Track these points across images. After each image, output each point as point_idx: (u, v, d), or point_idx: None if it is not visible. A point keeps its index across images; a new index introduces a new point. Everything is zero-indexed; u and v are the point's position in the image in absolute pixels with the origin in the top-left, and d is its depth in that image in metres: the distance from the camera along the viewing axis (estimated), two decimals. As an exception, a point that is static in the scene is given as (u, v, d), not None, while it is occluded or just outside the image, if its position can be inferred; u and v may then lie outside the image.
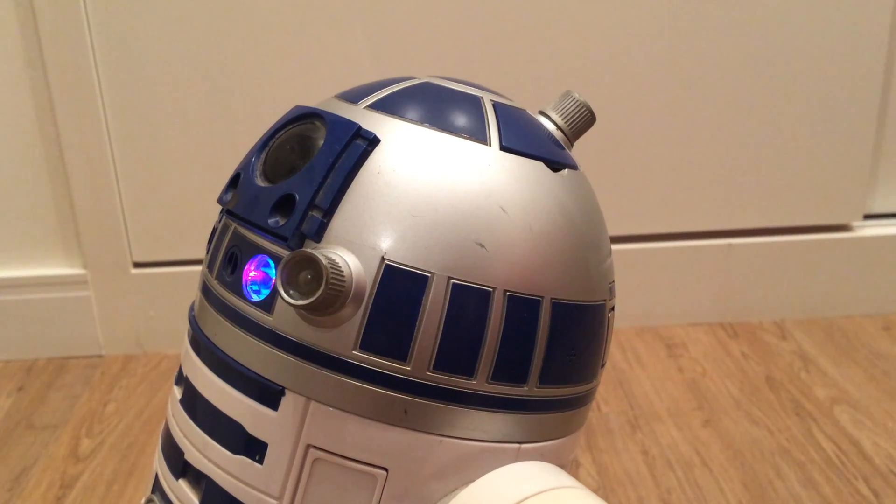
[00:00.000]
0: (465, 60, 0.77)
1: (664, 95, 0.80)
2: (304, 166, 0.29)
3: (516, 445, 0.30)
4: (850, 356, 0.80)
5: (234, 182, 0.32)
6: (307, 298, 0.27)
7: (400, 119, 0.30)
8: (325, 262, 0.27)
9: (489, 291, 0.28)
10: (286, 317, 0.28)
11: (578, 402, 0.32)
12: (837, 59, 0.80)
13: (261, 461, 0.29)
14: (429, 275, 0.28)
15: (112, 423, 0.72)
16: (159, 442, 0.34)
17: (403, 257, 0.28)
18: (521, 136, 0.31)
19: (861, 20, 0.79)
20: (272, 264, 0.29)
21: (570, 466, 0.33)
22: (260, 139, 0.32)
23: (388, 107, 0.31)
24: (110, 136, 0.78)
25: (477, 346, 0.28)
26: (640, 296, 0.84)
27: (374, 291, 0.28)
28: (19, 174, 0.79)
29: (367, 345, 0.28)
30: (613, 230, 0.34)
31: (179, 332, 0.86)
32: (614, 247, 0.35)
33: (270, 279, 0.29)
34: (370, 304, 0.28)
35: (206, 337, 0.31)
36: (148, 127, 0.78)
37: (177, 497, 0.32)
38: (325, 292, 0.27)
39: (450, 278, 0.28)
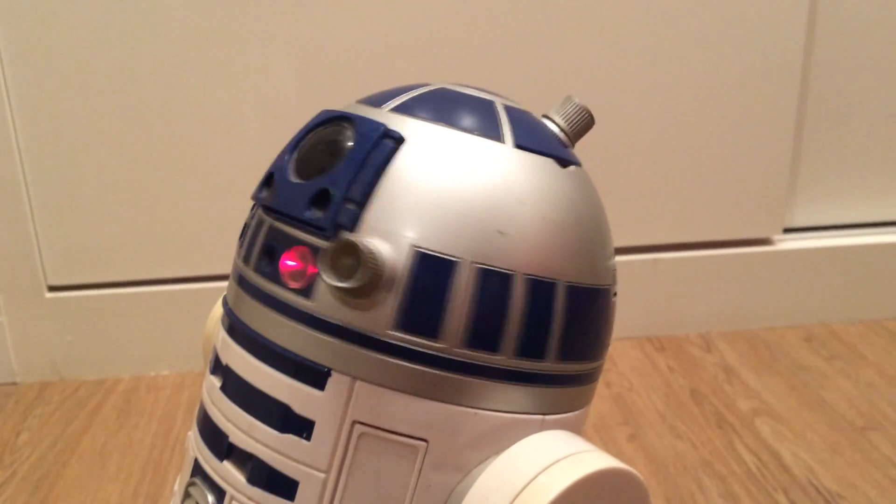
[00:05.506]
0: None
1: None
2: (337, 163, 0.32)
3: (540, 417, 0.34)
4: (773, 367, 0.81)
5: (268, 181, 0.34)
6: (349, 281, 0.30)
7: (423, 121, 0.33)
8: (363, 247, 0.30)
9: (510, 275, 0.31)
10: (325, 301, 0.31)
11: (591, 378, 0.36)
12: (754, 74, 0.82)
13: (308, 438, 0.32)
14: (457, 260, 0.31)
15: (25, 453, 0.69)
16: (194, 429, 0.37)
17: (432, 244, 0.31)
18: (532, 136, 0.34)
19: (776, 36, 0.81)
20: (309, 254, 0.32)
21: (584, 435, 0.36)
22: (290, 141, 0.34)
23: (410, 110, 0.34)
24: (21, 153, 0.75)
25: (501, 325, 0.31)
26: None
27: (407, 275, 0.31)
28: (-74, 196, 0.76)
29: (402, 325, 0.31)
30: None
31: (99, 357, 0.83)
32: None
33: (307, 267, 0.32)
34: (403, 288, 0.31)
35: (248, 326, 0.34)
36: (61, 144, 0.76)
37: (222, 477, 0.34)
38: (366, 275, 0.30)
39: (474, 263, 0.31)
